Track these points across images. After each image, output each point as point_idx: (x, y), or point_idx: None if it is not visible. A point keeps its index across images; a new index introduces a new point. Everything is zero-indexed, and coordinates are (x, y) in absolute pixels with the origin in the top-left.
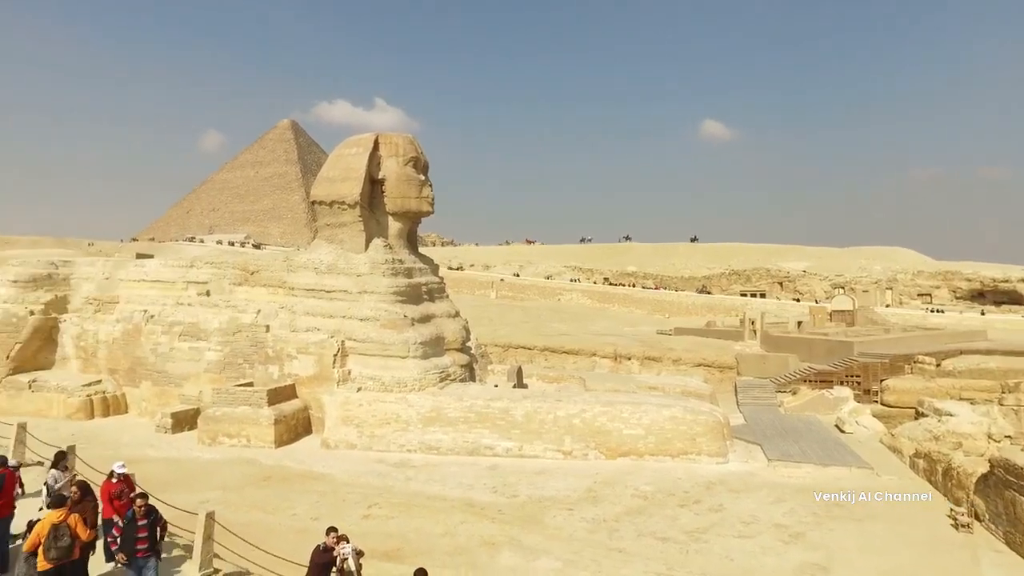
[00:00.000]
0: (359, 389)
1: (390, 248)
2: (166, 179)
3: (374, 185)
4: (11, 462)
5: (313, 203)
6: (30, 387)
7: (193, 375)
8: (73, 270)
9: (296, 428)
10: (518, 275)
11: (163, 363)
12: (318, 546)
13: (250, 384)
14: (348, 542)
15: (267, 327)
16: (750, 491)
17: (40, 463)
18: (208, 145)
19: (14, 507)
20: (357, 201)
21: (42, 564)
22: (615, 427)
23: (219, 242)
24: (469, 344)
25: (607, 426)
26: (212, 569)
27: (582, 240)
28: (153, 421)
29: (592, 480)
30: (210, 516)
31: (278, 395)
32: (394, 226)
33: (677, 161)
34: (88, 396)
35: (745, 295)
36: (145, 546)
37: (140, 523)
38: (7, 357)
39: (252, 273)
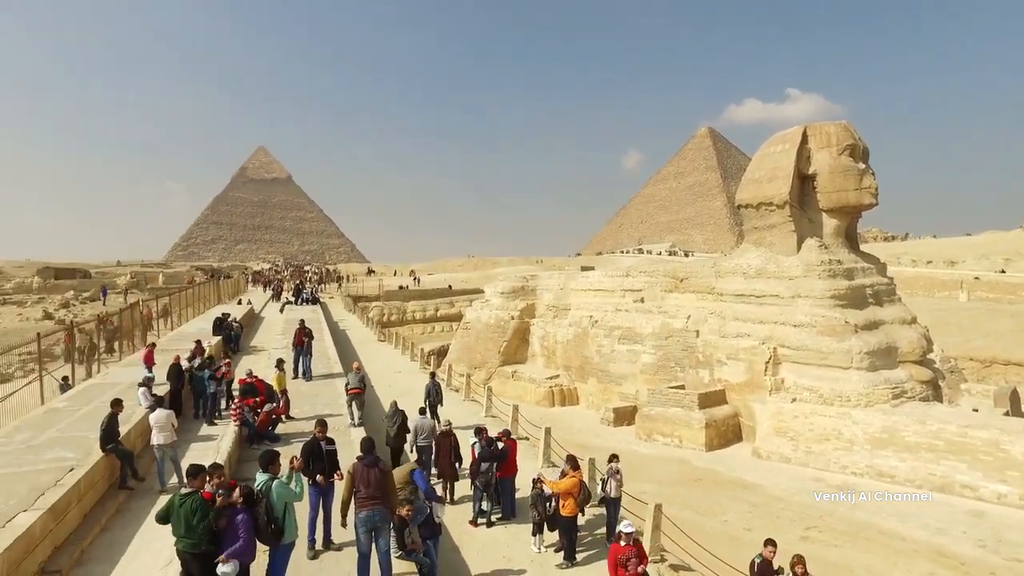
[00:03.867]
0: (793, 399)
1: (825, 248)
2: (597, 198)
3: (804, 182)
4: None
5: (738, 207)
6: (512, 376)
7: (630, 375)
8: (537, 283)
9: (726, 434)
10: (1004, 271)
11: (605, 363)
12: (753, 560)
13: (681, 387)
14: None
15: (697, 332)
16: None
17: (526, 438)
18: (629, 163)
19: (517, 468)
20: (786, 200)
21: (572, 509)
22: None
23: (642, 251)
24: (931, 356)
25: None
26: (659, 556)
27: None
28: (598, 414)
29: None
30: (658, 508)
31: (708, 399)
32: (829, 223)
33: None
34: (550, 388)
35: None
36: None
37: None
38: (498, 352)
39: (681, 280)
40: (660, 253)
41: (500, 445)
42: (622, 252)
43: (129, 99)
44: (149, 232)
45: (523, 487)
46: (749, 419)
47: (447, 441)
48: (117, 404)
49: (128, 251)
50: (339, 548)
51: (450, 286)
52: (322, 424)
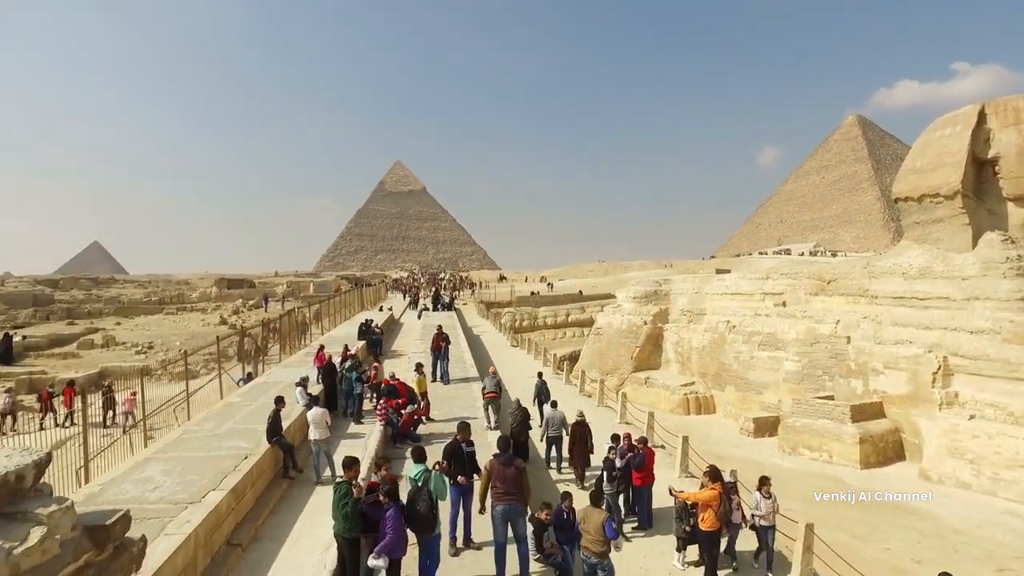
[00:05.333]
0: (972, 416)
1: (1011, 242)
2: (731, 198)
3: (981, 168)
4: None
5: (895, 200)
6: (645, 383)
7: (772, 383)
8: (670, 287)
9: (885, 451)
10: None
11: (744, 370)
12: None
13: (830, 397)
14: None
15: (847, 338)
16: None
17: (662, 446)
18: (765, 160)
19: (654, 477)
20: (957, 190)
21: (712, 522)
22: None
23: (789, 252)
24: None
25: None
26: None
27: None
28: (736, 423)
29: None
30: (810, 528)
31: (862, 412)
32: (1017, 214)
33: None
34: (685, 395)
35: None
36: None
37: None
38: (631, 357)
39: (828, 282)
40: (802, 253)
41: (639, 450)
42: (760, 253)
43: (284, 124)
44: (301, 244)
45: (659, 497)
46: (913, 436)
47: (580, 430)
48: (280, 401)
49: (284, 262)
50: (479, 547)
51: (581, 291)
52: (465, 428)
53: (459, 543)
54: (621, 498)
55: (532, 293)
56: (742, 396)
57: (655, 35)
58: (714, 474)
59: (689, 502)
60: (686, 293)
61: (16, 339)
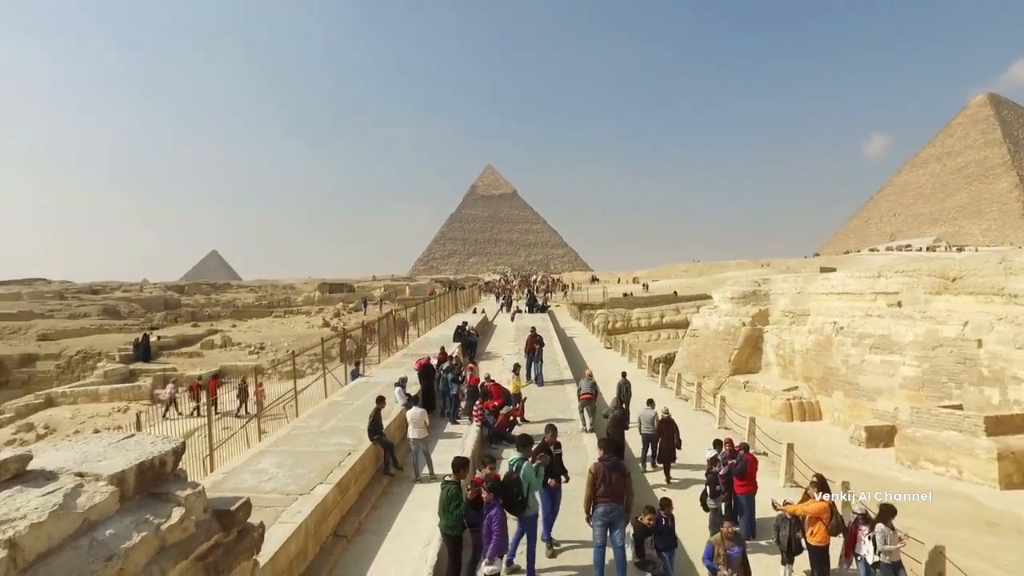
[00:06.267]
0: None
1: None
2: (834, 193)
3: None
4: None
5: None
6: (744, 387)
7: (886, 390)
8: (771, 287)
9: None
10: None
11: (854, 375)
12: None
13: (958, 406)
14: None
15: (978, 342)
16: None
17: (764, 454)
18: (873, 150)
19: (757, 485)
20: None
21: (822, 536)
22: None
23: (909, 247)
24: None
25: None
26: None
27: None
28: (845, 431)
29: None
30: (940, 551)
31: (1000, 425)
32: None
33: None
34: (788, 400)
35: None
36: None
37: None
38: (728, 360)
39: (952, 280)
40: (920, 249)
41: (740, 457)
42: (870, 250)
43: (379, 134)
44: (397, 249)
45: (762, 507)
46: None
47: (667, 427)
48: (381, 400)
49: (381, 266)
50: (569, 547)
51: (675, 292)
52: (552, 430)
53: (553, 544)
54: (723, 507)
55: (625, 294)
56: (852, 403)
57: (742, 26)
58: (822, 484)
59: (796, 515)
60: (787, 293)
61: (152, 339)
